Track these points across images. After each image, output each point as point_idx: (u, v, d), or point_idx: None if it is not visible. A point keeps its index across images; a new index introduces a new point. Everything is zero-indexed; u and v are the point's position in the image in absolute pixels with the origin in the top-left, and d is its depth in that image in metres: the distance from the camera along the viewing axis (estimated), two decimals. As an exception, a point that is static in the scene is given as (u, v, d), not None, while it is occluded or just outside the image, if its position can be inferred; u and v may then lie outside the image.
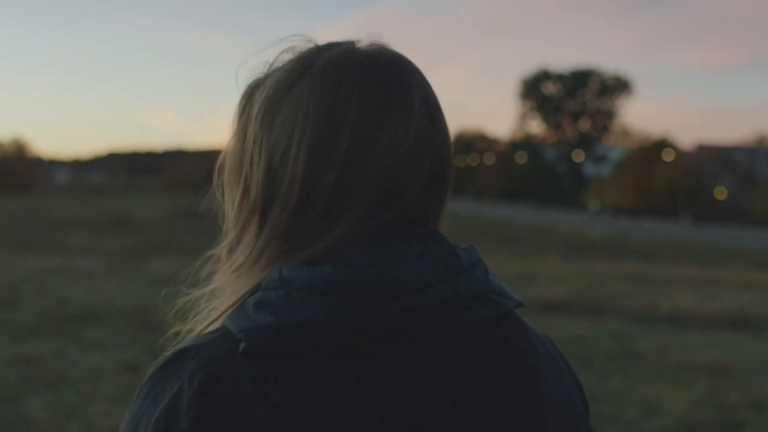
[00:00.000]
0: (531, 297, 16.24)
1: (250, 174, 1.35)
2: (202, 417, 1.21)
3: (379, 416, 1.24)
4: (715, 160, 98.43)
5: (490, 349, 1.32)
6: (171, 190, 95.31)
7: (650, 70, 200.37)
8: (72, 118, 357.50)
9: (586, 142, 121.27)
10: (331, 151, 1.29)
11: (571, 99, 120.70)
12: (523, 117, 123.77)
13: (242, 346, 1.24)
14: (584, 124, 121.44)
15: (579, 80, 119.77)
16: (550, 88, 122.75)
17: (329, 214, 1.30)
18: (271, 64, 1.40)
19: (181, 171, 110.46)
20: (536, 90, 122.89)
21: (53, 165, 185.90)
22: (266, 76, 1.39)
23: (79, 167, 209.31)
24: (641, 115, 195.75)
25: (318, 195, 1.30)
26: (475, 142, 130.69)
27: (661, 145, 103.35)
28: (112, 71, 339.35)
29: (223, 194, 1.45)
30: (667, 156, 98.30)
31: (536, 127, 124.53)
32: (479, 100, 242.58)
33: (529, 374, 1.34)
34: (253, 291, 1.30)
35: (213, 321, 1.36)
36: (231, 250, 1.39)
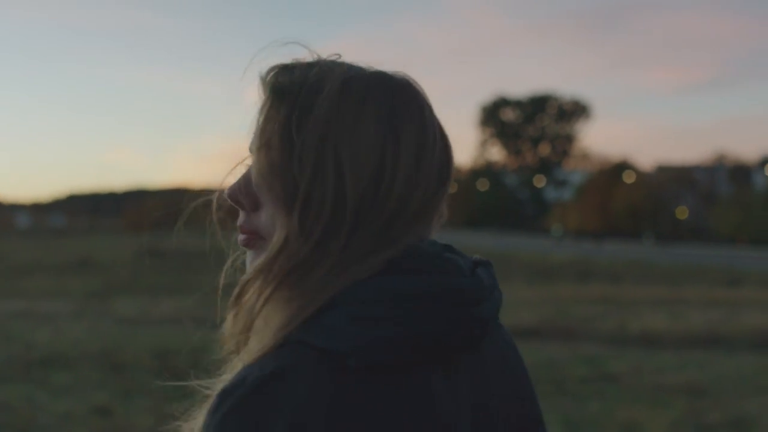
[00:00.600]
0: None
1: (316, 187, 1.36)
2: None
3: (467, 412, 1.39)
4: (676, 180, 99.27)
5: (508, 342, 1.59)
6: (133, 230, 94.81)
7: (608, 93, 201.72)
8: (30, 160, 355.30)
9: (546, 167, 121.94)
10: (419, 170, 1.40)
11: (530, 125, 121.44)
12: (483, 144, 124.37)
13: (352, 361, 1.28)
14: (544, 149, 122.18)
15: (537, 106, 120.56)
16: (509, 115, 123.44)
17: (410, 223, 1.40)
18: (290, 69, 1.44)
19: (142, 210, 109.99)
20: (495, 117, 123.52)
21: (13, 209, 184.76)
22: (297, 86, 1.41)
23: (39, 210, 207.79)
24: (600, 138, 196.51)
25: (406, 210, 1.39)
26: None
27: (621, 167, 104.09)
28: (69, 111, 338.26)
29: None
30: (628, 178, 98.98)
31: (496, 153, 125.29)
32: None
33: (522, 362, 1.60)
34: (322, 305, 1.33)
35: (281, 335, 1.33)
36: (298, 263, 1.37)
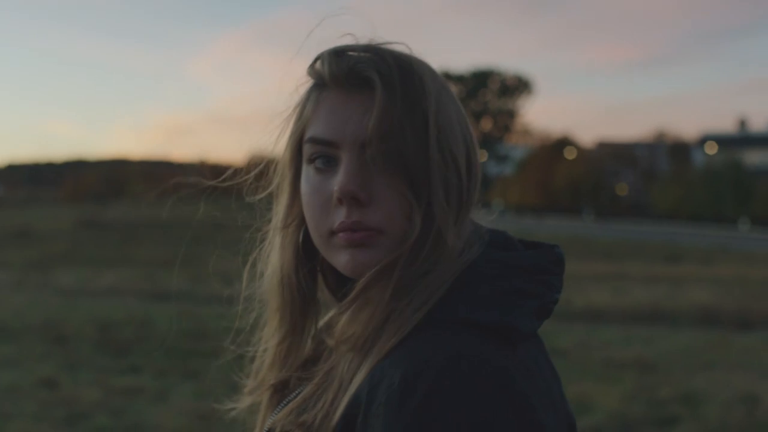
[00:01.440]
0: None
1: (449, 173, 1.44)
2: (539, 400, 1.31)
3: (555, 380, 1.46)
4: (616, 156, 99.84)
5: None
6: (72, 200, 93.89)
7: (550, 69, 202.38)
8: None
9: (488, 142, 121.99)
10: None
11: (473, 99, 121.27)
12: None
13: (514, 335, 1.35)
14: (486, 124, 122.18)
15: (480, 81, 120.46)
16: (452, 89, 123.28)
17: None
18: (372, 58, 1.46)
19: (82, 181, 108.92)
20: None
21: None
22: (398, 74, 1.44)
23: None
24: (542, 114, 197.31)
25: (478, 182, 1.52)
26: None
27: (563, 143, 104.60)
28: (7, 82, 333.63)
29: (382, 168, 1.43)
30: (569, 154, 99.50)
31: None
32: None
33: None
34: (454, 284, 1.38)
35: (419, 315, 1.37)
36: (428, 250, 1.41)
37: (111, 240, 37.64)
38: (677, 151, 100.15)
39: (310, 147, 1.49)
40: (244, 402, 1.72)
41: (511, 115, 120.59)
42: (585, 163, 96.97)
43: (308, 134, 1.50)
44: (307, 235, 1.56)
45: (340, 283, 1.60)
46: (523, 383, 1.29)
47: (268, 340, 1.67)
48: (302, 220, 1.56)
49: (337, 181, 1.43)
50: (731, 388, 10.38)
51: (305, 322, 1.65)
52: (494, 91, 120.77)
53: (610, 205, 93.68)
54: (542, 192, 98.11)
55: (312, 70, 1.53)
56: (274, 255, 1.64)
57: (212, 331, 13.94)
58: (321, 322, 1.66)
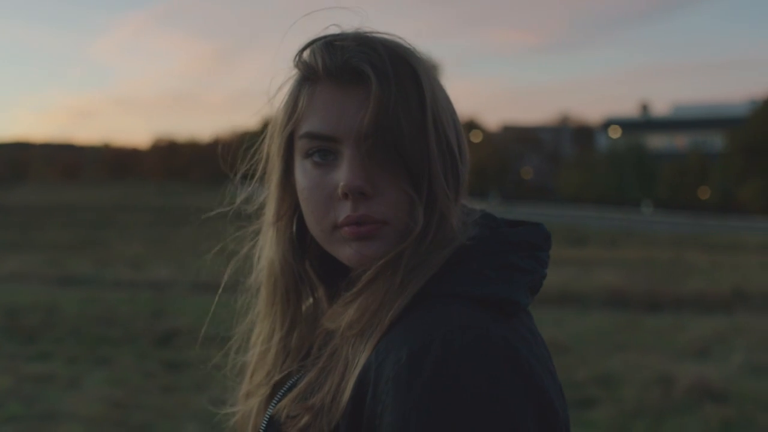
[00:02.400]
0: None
1: (447, 161, 1.47)
2: (540, 367, 1.33)
3: (548, 353, 1.44)
4: (521, 140, 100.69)
5: None
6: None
7: (456, 52, 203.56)
8: None
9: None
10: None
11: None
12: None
13: (513, 308, 1.38)
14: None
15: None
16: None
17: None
18: (363, 49, 1.46)
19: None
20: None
21: None
22: (390, 65, 1.44)
23: None
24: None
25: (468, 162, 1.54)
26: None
27: (469, 126, 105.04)
28: None
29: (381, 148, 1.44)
30: (475, 137, 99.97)
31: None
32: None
33: None
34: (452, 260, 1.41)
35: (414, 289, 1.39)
36: (430, 237, 1.44)
37: (13, 224, 37.05)
38: (581, 134, 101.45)
39: (307, 142, 1.48)
40: (248, 405, 1.70)
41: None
42: (490, 147, 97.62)
43: (304, 129, 1.49)
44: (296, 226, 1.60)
45: (327, 270, 1.62)
46: (524, 351, 1.32)
47: (265, 338, 1.67)
48: (294, 213, 1.59)
49: (343, 176, 1.42)
50: (646, 369, 10.48)
51: (301, 313, 1.65)
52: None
53: (515, 189, 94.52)
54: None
55: (301, 62, 1.51)
56: (266, 249, 1.65)
57: (121, 317, 13.78)
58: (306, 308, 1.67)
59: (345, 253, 1.46)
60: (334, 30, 1.52)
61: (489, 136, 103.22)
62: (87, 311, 14.25)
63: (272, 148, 1.59)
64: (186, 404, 8.86)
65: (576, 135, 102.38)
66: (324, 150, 1.46)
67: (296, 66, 1.53)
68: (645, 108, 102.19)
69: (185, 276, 19.00)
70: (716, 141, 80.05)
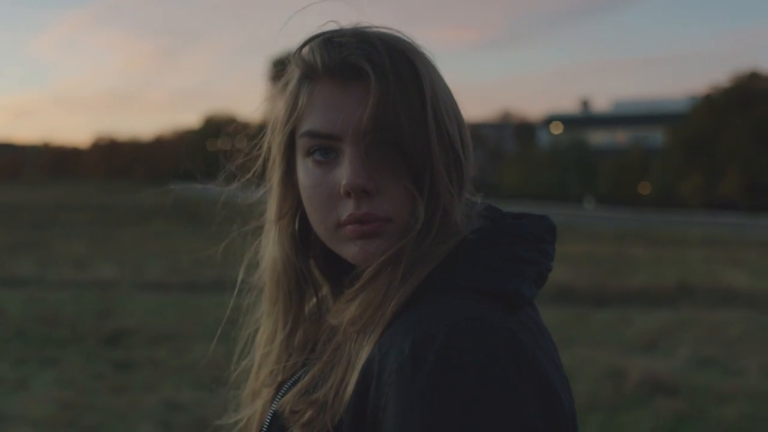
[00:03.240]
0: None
1: (450, 155, 1.47)
2: (544, 358, 1.33)
3: (554, 346, 1.47)
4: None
5: None
6: None
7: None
8: None
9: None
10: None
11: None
12: (273, 98, 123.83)
13: (518, 300, 1.38)
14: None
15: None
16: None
17: None
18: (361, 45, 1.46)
19: None
20: (285, 71, 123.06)
21: None
22: (390, 61, 1.44)
23: None
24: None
25: (471, 154, 1.53)
26: (225, 126, 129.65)
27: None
28: None
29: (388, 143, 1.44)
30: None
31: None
32: (228, 82, 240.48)
33: None
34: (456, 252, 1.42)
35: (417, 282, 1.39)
36: (435, 233, 1.43)
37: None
38: (523, 131, 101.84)
39: (308, 140, 1.48)
40: (252, 408, 1.68)
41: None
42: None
43: (305, 128, 1.49)
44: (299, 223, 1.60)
45: (331, 267, 1.63)
46: (529, 343, 1.32)
47: (268, 338, 1.66)
48: (296, 211, 1.59)
49: (345, 175, 1.43)
50: (597, 363, 10.53)
51: (304, 312, 1.65)
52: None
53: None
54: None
55: (300, 59, 1.51)
56: (269, 249, 1.64)
57: (67, 317, 13.62)
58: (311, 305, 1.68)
59: (349, 251, 1.47)
60: (332, 26, 1.53)
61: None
62: (31, 312, 14.06)
63: (273, 146, 1.59)
64: (137, 405, 8.77)
65: (518, 131, 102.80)
66: (325, 148, 1.46)
67: (295, 64, 1.52)
68: (585, 104, 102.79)
69: (130, 275, 18.86)
70: (656, 137, 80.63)
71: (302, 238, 1.60)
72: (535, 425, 1.25)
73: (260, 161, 1.63)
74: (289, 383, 1.57)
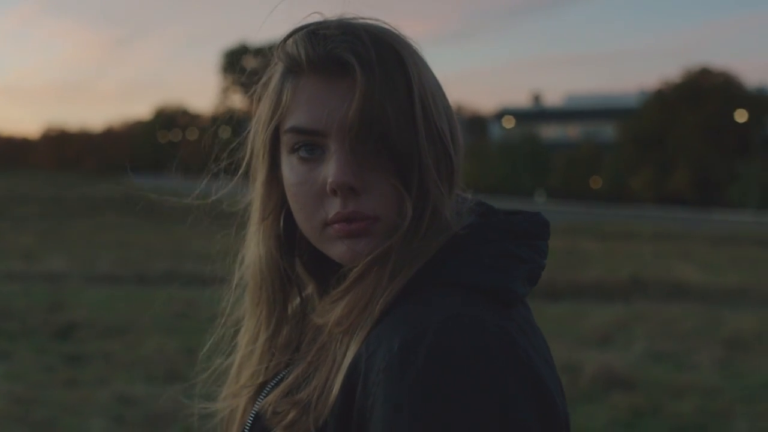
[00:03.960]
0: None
1: (440, 151, 1.42)
2: (535, 356, 1.29)
3: (546, 345, 1.41)
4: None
5: None
6: None
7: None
8: None
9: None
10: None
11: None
12: (225, 91, 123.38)
13: (510, 297, 1.34)
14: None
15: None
16: (251, 62, 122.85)
17: None
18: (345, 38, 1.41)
19: None
20: (237, 64, 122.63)
21: None
22: (375, 54, 1.39)
23: None
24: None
25: (462, 149, 1.49)
26: (177, 118, 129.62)
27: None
28: None
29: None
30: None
31: (238, 101, 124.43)
32: (180, 74, 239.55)
33: None
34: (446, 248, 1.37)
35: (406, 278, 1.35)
36: (423, 230, 1.39)
37: None
38: (475, 125, 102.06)
39: (292, 137, 1.43)
40: (233, 403, 1.63)
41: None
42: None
43: (289, 124, 1.43)
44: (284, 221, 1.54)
45: (317, 266, 1.58)
46: (522, 341, 1.28)
47: (251, 339, 1.61)
48: (281, 209, 1.53)
49: (331, 172, 1.38)
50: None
51: (288, 312, 1.60)
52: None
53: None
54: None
55: (284, 53, 1.45)
56: (253, 248, 1.59)
57: (16, 310, 13.46)
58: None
59: (336, 250, 1.42)
60: (316, 18, 1.47)
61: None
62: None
63: (257, 143, 1.53)
64: (89, 399, 8.66)
65: (470, 125, 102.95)
66: (310, 144, 1.41)
67: (278, 57, 1.47)
68: (537, 98, 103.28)
69: (81, 268, 18.68)
70: (608, 131, 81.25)
71: (287, 237, 1.55)
72: (529, 426, 1.22)
73: (246, 158, 1.58)
74: (271, 384, 1.53)
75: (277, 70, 1.48)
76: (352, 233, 1.39)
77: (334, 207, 1.39)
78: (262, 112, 1.50)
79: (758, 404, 9.02)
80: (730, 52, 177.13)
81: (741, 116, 65.51)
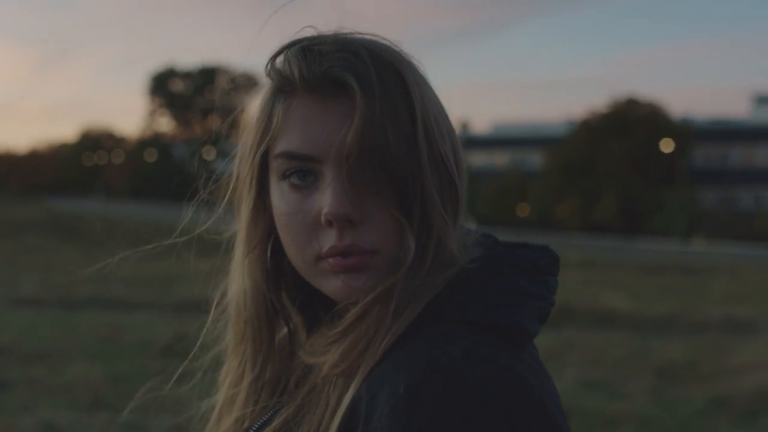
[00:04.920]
0: (181, 298, 15.66)
1: (444, 148, 1.32)
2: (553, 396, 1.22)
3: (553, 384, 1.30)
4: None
5: None
6: None
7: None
8: None
9: (215, 139, 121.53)
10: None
11: (200, 96, 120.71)
12: (152, 114, 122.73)
13: (522, 337, 1.24)
14: (213, 122, 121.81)
15: (207, 77, 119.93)
16: (179, 86, 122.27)
17: None
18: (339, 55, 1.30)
19: None
20: (164, 87, 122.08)
21: None
22: (375, 74, 1.28)
23: None
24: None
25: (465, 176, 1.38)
26: (102, 140, 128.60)
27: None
28: None
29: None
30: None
31: (165, 124, 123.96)
32: (106, 97, 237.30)
33: None
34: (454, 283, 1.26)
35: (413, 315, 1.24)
36: (429, 263, 1.28)
37: None
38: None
39: (284, 162, 1.32)
40: None
41: (238, 112, 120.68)
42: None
43: (280, 148, 1.33)
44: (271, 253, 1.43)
45: (304, 298, 1.47)
46: (537, 386, 1.18)
47: (234, 380, 1.49)
48: (268, 238, 1.42)
49: (327, 202, 1.27)
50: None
51: (275, 348, 1.48)
52: (222, 88, 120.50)
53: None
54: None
55: (274, 71, 1.34)
56: (236, 281, 1.48)
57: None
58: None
59: (331, 286, 1.31)
60: (309, 32, 1.37)
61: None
62: None
63: (243, 169, 1.42)
64: (12, 426, 8.46)
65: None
66: (303, 171, 1.31)
67: (268, 75, 1.36)
68: (464, 126, 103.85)
69: (3, 291, 18.37)
70: (535, 159, 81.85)
71: (274, 268, 1.44)
72: None
73: (231, 185, 1.47)
74: (254, 428, 1.40)
75: (266, 89, 1.38)
76: (348, 268, 1.28)
77: (329, 239, 1.28)
78: (249, 136, 1.40)
79: (692, 433, 9.03)
80: (657, 83, 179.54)
81: (667, 146, 66.34)
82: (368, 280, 1.28)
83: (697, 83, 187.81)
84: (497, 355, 1.18)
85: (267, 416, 1.39)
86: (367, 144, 1.25)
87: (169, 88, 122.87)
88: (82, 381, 10.31)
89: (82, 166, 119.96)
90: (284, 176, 1.33)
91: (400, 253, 1.27)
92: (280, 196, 1.34)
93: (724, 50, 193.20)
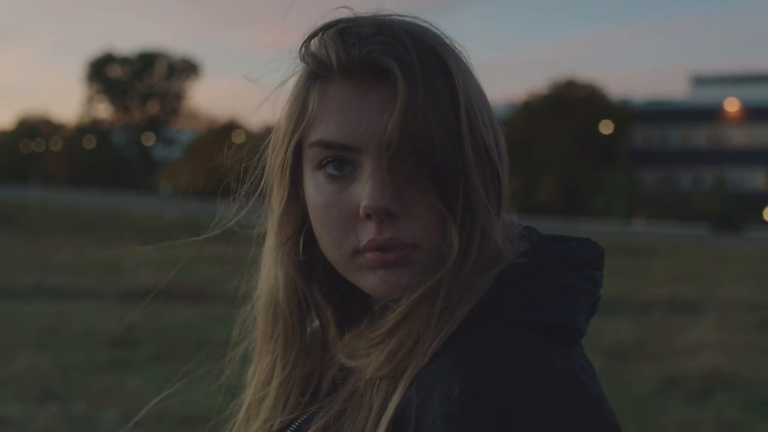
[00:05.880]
0: (124, 286, 15.53)
1: (488, 137, 1.26)
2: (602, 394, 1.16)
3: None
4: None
5: None
6: None
7: (217, 52, 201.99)
8: None
9: (155, 125, 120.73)
10: None
11: (139, 82, 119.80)
12: (90, 100, 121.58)
13: (574, 335, 1.20)
14: (153, 107, 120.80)
15: (146, 63, 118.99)
16: (117, 71, 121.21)
17: None
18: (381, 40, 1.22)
19: None
20: (102, 73, 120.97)
21: None
22: (417, 60, 1.21)
23: None
24: (210, 98, 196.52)
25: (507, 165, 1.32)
26: (39, 128, 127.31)
27: (231, 126, 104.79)
28: None
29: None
30: (237, 137, 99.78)
31: (104, 110, 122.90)
32: (43, 83, 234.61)
33: None
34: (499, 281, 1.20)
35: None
36: (474, 259, 1.22)
37: None
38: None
39: (320, 151, 1.26)
40: None
41: (178, 98, 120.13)
42: (254, 147, 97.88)
43: (316, 136, 1.26)
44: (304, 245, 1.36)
45: (336, 291, 1.38)
46: (591, 385, 1.14)
47: (263, 380, 1.40)
48: (301, 230, 1.35)
49: (366, 194, 1.21)
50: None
51: (306, 344, 1.40)
52: (161, 74, 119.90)
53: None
54: (210, 175, 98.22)
55: (309, 55, 1.27)
56: (265, 275, 1.41)
57: None
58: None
59: (369, 282, 1.25)
60: (345, 13, 1.29)
61: (252, 137, 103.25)
62: None
63: (275, 159, 1.35)
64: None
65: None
66: (340, 160, 1.24)
67: (302, 59, 1.29)
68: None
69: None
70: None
71: (306, 260, 1.36)
72: None
73: (256, 175, 1.40)
74: (290, 429, 1.34)
75: (299, 74, 1.31)
76: (388, 263, 1.22)
77: (367, 233, 1.22)
78: (282, 123, 1.32)
79: (644, 414, 9.08)
80: (596, 65, 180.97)
81: (606, 127, 66.88)
82: (408, 275, 1.22)
83: (636, 65, 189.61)
84: (553, 356, 1.14)
85: (301, 420, 1.33)
86: (408, 133, 1.19)
87: (107, 73, 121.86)
88: (30, 372, 10.15)
89: (20, 154, 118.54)
90: (320, 166, 1.26)
91: (443, 248, 1.21)
92: (315, 186, 1.27)
93: (662, 32, 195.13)
